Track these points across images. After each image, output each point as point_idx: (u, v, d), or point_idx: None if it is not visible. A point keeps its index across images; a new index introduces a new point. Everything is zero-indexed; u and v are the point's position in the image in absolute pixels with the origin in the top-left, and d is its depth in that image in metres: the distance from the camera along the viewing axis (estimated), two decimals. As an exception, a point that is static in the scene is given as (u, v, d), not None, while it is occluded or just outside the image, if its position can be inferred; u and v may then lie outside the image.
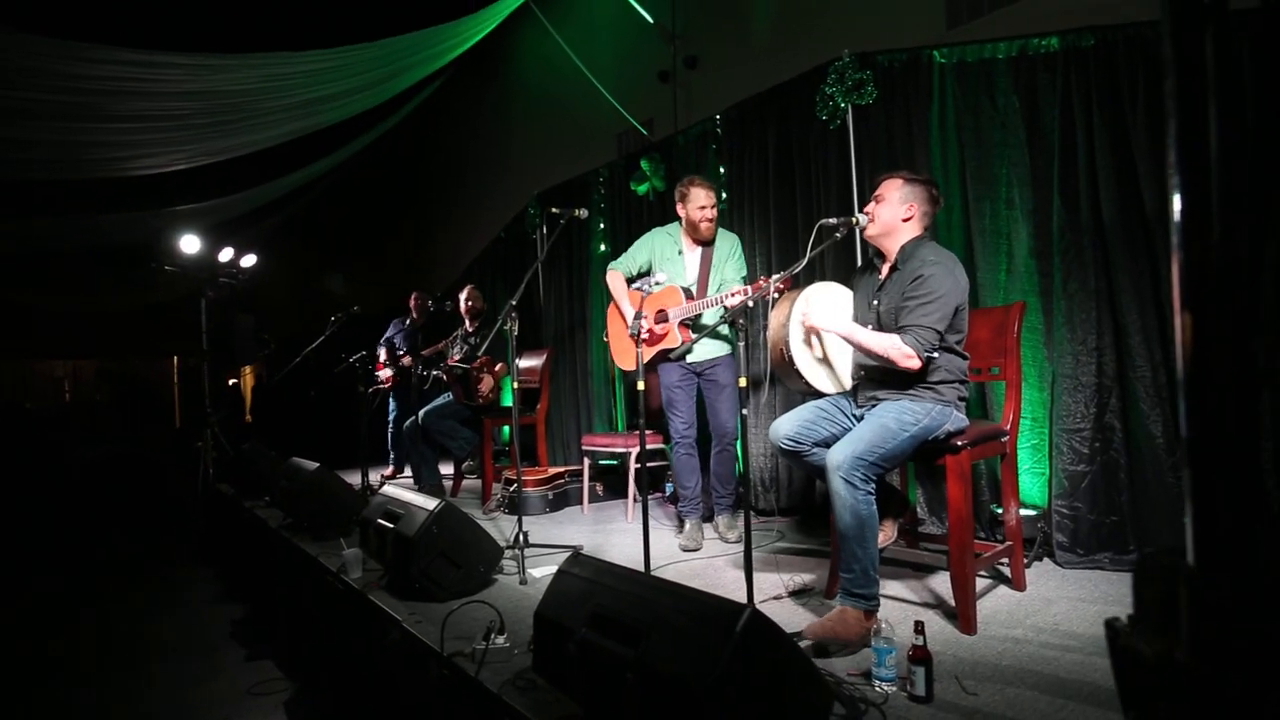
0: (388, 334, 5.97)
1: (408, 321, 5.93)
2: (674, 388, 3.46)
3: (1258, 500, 0.55)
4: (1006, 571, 2.59)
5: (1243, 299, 0.56)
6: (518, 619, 2.32)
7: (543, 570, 2.96)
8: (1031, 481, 2.94)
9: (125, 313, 10.38)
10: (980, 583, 2.56)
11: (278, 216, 8.03)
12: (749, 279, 3.55)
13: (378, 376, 5.69)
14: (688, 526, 3.46)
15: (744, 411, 2.21)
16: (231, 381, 10.60)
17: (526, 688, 1.87)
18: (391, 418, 5.99)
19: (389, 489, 3.16)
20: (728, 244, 3.48)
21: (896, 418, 2.15)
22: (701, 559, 3.17)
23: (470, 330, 5.03)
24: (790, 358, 2.39)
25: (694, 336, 3.29)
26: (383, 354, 5.80)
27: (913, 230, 2.29)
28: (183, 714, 2.80)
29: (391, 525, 2.77)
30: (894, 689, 1.77)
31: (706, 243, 3.45)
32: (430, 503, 2.71)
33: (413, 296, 5.95)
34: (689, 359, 3.41)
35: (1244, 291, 0.56)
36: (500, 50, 7.19)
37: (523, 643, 2.13)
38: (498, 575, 2.90)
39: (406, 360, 5.43)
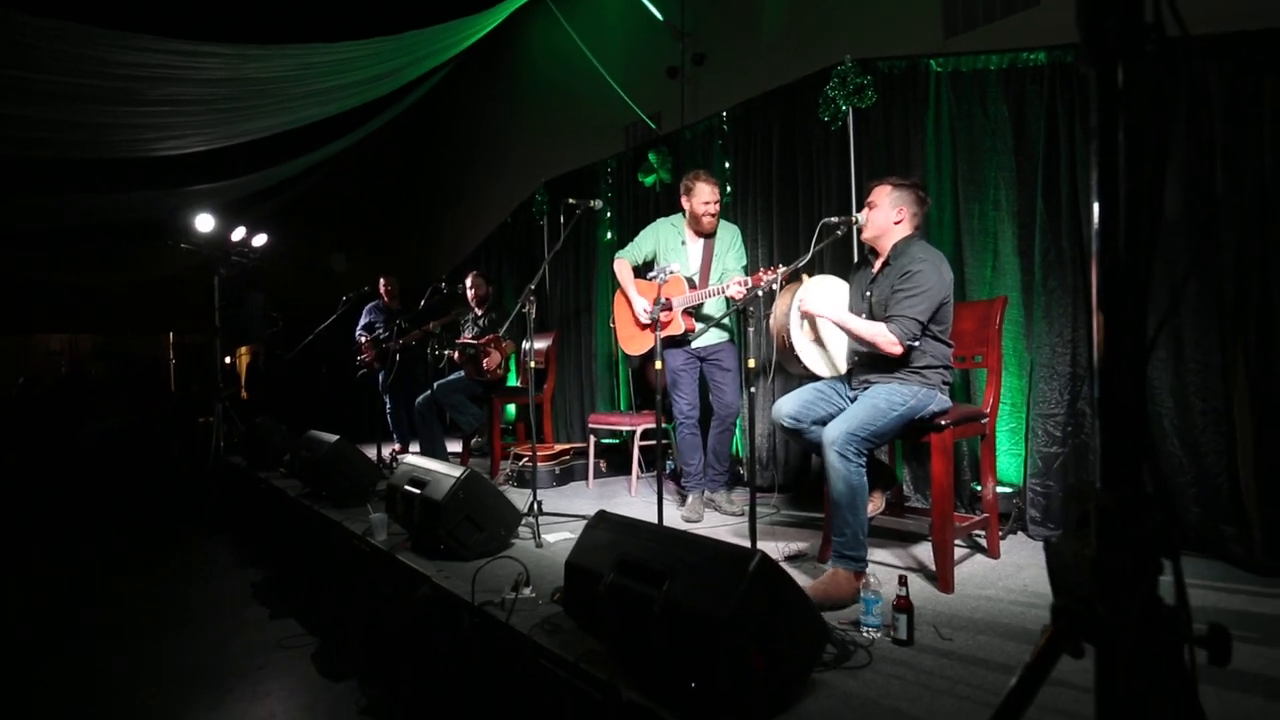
0: (366, 319, 6.11)
1: (381, 305, 6.10)
2: (678, 371, 3.68)
3: (1143, 441, 0.78)
4: (983, 541, 2.84)
5: (1138, 299, 0.79)
6: (538, 575, 2.56)
7: (556, 536, 3.20)
8: (1009, 461, 3.19)
9: (124, 288, 10.49)
10: (959, 551, 2.81)
11: (286, 196, 8.18)
12: (749, 269, 3.78)
13: (361, 360, 5.89)
14: (690, 500, 3.70)
15: (751, 390, 2.44)
16: (227, 360, 10.75)
17: (553, 631, 2.10)
18: (388, 398, 6.16)
19: (412, 459, 3.38)
20: (729, 235, 3.69)
21: (887, 398, 2.39)
22: (703, 529, 3.42)
23: (480, 313, 5.24)
24: (791, 344, 2.63)
25: (698, 326, 3.52)
26: (364, 339, 5.98)
27: (904, 230, 2.53)
28: (224, 664, 3.01)
29: (419, 491, 2.99)
30: (879, 634, 2.02)
31: (708, 234, 3.67)
32: (456, 470, 2.93)
33: (382, 282, 6.06)
34: (693, 345, 3.63)
35: (1140, 293, 0.79)
36: (511, 40, 7.34)
37: (546, 594, 2.37)
38: (514, 540, 3.14)
39: (400, 341, 5.58)
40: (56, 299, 10.32)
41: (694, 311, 3.60)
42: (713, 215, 3.58)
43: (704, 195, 3.53)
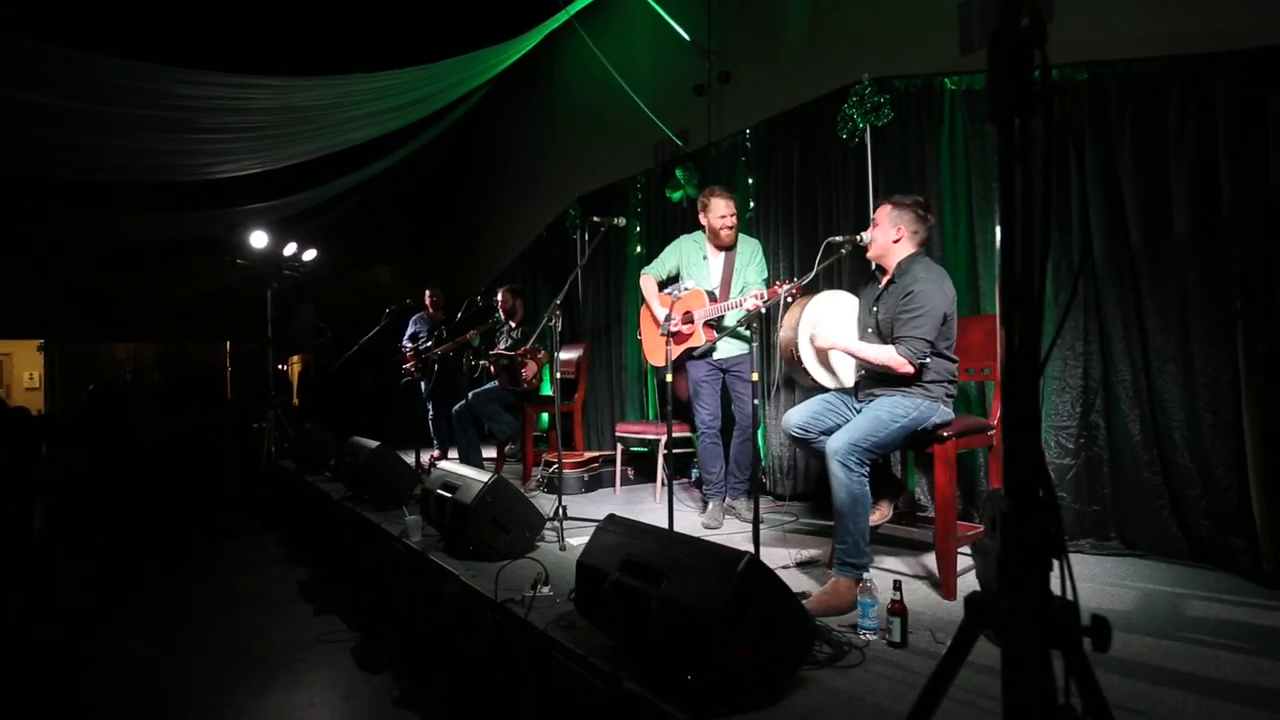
0: (412, 329, 6.38)
1: (426, 315, 6.34)
2: (700, 382, 3.81)
3: (1037, 455, 0.89)
4: (992, 551, 2.89)
5: (1034, 319, 0.90)
6: (558, 576, 2.70)
7: (579, 540, 3.34)
8: (1022, 473, 3.22)
9: (184, 300, 11.05)
10: (968, 560, 2.87)
11: (332, 213, 8.58)
12: (770, 282, 3.88)
13: (405, 368, 6.14)
14: (710, 507, 3.81)
15: (755, 401, 2.56)
16: (280, 367, 11.23)
17: (568, 626, 2.25)
18: (430, 405, 6.39)
19: (446, 464, 3.57)
20: (749, 249, 3.81)
21: (889, 410, 2.49)
22: (721, 535, 3.53)
23: (514, 325, 5.44)
24: (799, 357, 2.73)
25: (716, 336, 3.64)
26: (408, 348, 6.24)
27: (906, 248, 2.62)
28: (270, 653, 3.23)
29: (450, 495, 3.17)
30: (875, 637, 2.11)
31: (728, 248, 3.78)
32: (484, 476, 3.11)
33: (427, 294, 6.32)
34: (715, 356, 3.75)
35: (1034, 313, 0.90)
36: (543, 62, 7.57)
37: (563, 594, 2.51)
38: (540, 542, 3.29)
39: (439, 350, 5.81)
40: (122, 310, 10.94)
41: (715, 324, 3.72)
42: (730, 228, 3.70)
43: (719, 210, 3.66)
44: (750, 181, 4.51)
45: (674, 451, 4.28)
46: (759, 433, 4.13)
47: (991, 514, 0.94)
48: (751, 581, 1.69)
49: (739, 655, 1.67)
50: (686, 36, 5.39)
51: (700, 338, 3.68)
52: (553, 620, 2.29)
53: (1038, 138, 0.93)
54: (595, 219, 3.61)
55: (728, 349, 3.74)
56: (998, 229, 0.93)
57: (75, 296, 10.23)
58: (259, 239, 6.41)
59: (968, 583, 2.62)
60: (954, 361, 2.62)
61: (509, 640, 2.44)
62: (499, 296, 5.46)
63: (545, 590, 2.52)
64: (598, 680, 1.95)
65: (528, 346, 4.95)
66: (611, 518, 2.21)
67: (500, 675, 2.48)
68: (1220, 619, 2.26)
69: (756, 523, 2.56)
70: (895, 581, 2.11)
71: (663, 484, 4.44)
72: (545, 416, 6.28)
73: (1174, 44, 2.88)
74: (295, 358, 11.43)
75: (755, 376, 2.53)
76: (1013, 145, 0.90)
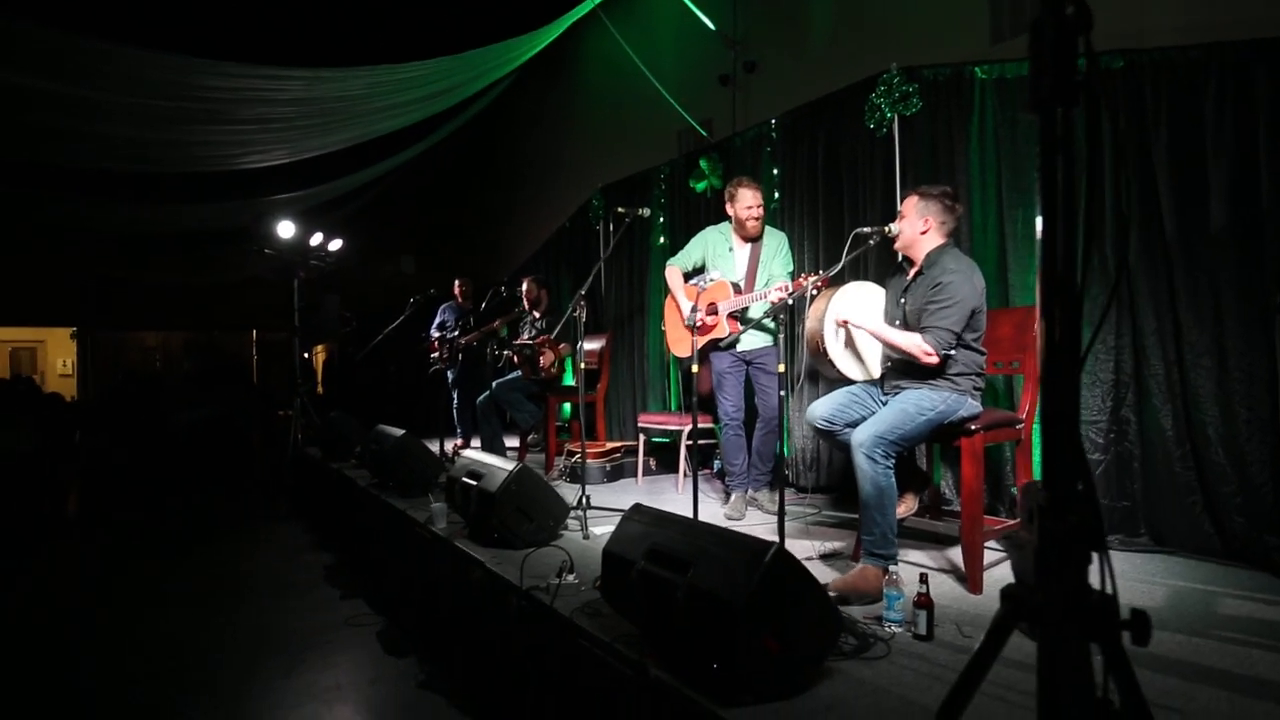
0: (440, 318, 6.44)
1: (454, 305, 6.39)
2: (724, 373, 3.80)
3: (1076, 444, 0.88)
4: (1019, 546, 2.87)
5: (1075, 311, 0.89)
6: (583, 564, 2.72)
7: (602, 529, 3.36)
8: (1050, 468, 3.19)
9: (213, 289, 11.24)
10: (995, 554, 2.84)
11: (357, 204, 8.65)
12: (795, 274, 3.87)
13: (434, 357, 6.19)
14: (733, 498, 3.81)
15: (781, 393, 2.56)
16: (305, 355, 11.39)
17: (593, 614, 2.26)
18: (456, 394, 6.45)
19: (471, 453, 3.60)
20: (775, 241, 3.79)
21: (916, 403, 2.47)
22: (743, 526, 3.53)
23: (538, 315, 5.47)
24: (825, 349, 2.72)
25: (741, 328, 3.63)
26: (436, 335, 6.29)
27: (934, 240, 2.59)
28: (297, 636, 3.29)
29: (475, 483, 3.20)
30: (900, 629, 2.11)
31: (754, 239, 3.77)
32: (509, 464, 3.14)
33: (456, 284, 6.36)
34: (739, 348, 3.74)
35: (1075, 306, 0.89)
36: (567, 52, 7.56)
37: (588, 582, 2.53)
38: (563, 531, 3.32)
39: (464, 339, 5.85)
40: (152, 299, 11.15)
41: (739, 315, 3.71)
42: (756, 219, 3.68)
43: (746, 200, 3.65)
44: (775, 172, 4.48)
45: (698, 442, 4.29)
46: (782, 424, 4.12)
47: (1029, 506, 0.94)
48: (778, 572, 1.69)
49: (764, 645, 1.68)
50: (711, 25, 5.36)
51: (724, 329, 3.68)
52: (578, 608, 2.31)
53: (1077, 127, 0.92)
54: (619, 209, 3.62)
55: (752, 341, 3.73)
56: (1038, 220, 0.92)
57: (106, 286, 10.45)
58: (286, 229, 6.48)
59: (994, 577, 2.60)
60: (982, 354, 2.60)
61: (534, 627, 2.46)
62: (524, 286, 5.49)
63: (570, 578, 2.54)
64: (623, 667, 1.96)
65: (549, 336, 4.98)
66: (638, 507, 2.23)
67: (525, 661, 2.50)
68: (1254, 618, 2.22)
69: (782, 514, 2.57)
70: (921, 574, 2.10)
71: (686, 474, 4.45)
72: (568, 406, 6.31)
73: (1212, 32, 2.82)
74: (320, 346, 11.58)
75: (781, 368, 2.52)
76: (1054, 135, 0.89)
